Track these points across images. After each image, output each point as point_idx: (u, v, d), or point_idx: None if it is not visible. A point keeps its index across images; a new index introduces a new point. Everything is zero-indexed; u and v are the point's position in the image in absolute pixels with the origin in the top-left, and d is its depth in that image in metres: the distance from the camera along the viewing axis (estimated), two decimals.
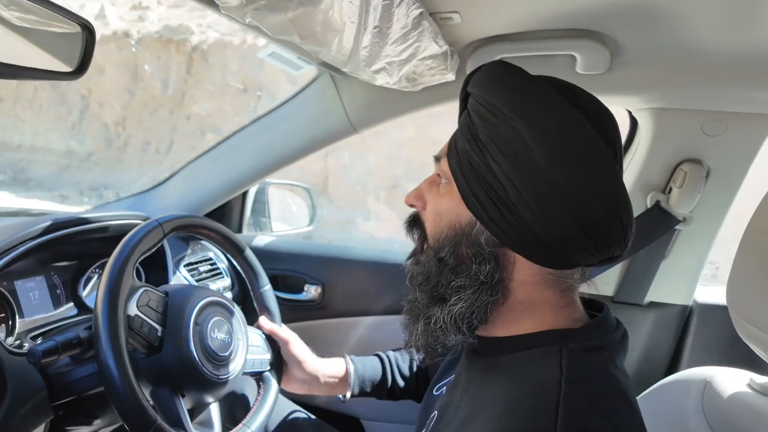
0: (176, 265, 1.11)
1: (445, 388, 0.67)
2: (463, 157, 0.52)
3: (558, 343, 0.49)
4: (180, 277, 1.10)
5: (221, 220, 1.37)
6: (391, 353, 0.92)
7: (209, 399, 0.77)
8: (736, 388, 0.71)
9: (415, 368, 0.91)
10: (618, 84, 0.91)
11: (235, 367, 0.78)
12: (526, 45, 0.82)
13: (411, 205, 0.62)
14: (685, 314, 1.16)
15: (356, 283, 1.29)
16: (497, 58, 0.85)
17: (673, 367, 1.18)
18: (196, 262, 1.18)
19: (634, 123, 1.08)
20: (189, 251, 1.18)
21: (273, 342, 0.91)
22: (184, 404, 0.72)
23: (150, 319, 0.70)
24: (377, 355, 0.92)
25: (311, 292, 1.29)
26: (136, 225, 0.75)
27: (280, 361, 0.90)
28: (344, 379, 0.87)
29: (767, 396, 0.67)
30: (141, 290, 0.70)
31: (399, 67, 0.78)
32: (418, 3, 0.65)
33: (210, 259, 1.23)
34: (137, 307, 0.68)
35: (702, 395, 0.73)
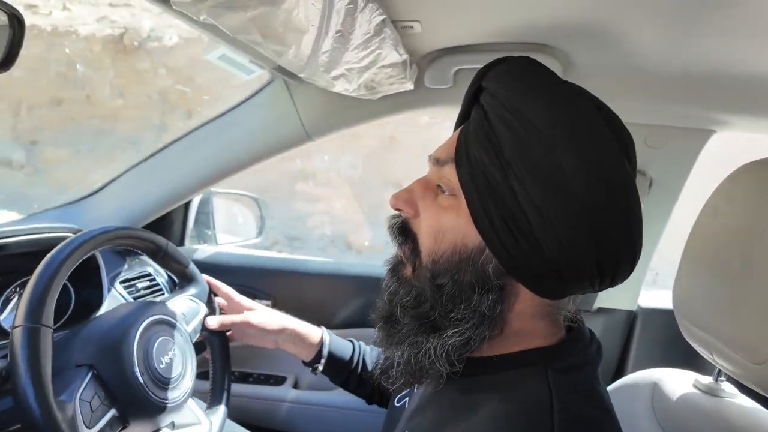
0: (111, 282, 1.02)
1: (407, 400, 0.65)
2: (477, 170, 0.45)
3: (542, 362, 0.48)
4: (116, 295, 1.01)
5: (161, 232, 1.27)
6: (363, 344, 0.89)
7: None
8: (683, 389, 0.74)
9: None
10: None
11: (190, 378, 0.74)
12: (483, 57, 0.83)
13: (398, 209, 0.53)
14: (631, 319, 1.22)
15: (310, 296, 1.24)
16: (455, 69, 0.86)
17: (620, 369, 1.23)
18: (134, 278, 1.09)
19: None
20: (126, 266, 1.09)
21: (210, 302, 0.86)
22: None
23: (103, 415, 0.62)
24: (350, 340, 0.89)
25: None
26: (64, 238, 0.68)
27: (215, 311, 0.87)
28: (316, 345, 0.83)
29: (713, 396, 0.71)
30: (76, 403, 0.60)
31: (359, 74, 0.76)
32: (381, 9, 0.63)
33: (149, 274, 1.14)
34: (88, 427, 0.60)
35: (651, 397, 0.76)
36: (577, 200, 0.42)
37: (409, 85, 0.86)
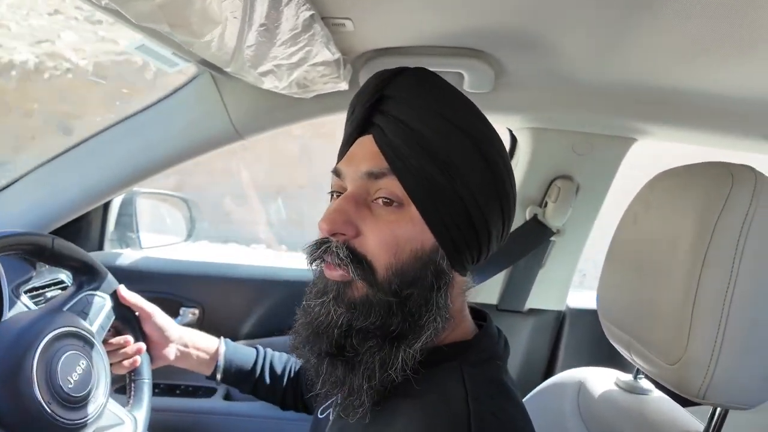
0: (15, 292, 0.91)
1: (330, 411, 0.63)
2: (421, 177, 0.46)
3: (457, 358, 0.50)
4: (21, 306, 0.90)
5: (76, 236, 1.18)
6: (269, 350, 0.88)
7: None
8: (605, 387, 0.77)
9: (291, 374, 0.86)
10: (501, 104, 0.96)
11: (105, 385, 0.68)
12: (418, 60, 0.82)
13: (333, 234, 0.48)
14: (560, 319, 1.26)
15: (241, 303, 1.19)
16: None
17: (550, 368, 1.27)
18: (42, 287, 0.99)
19: (514, 141, 1.15)
20: (34, 273, 0.99)
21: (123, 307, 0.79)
22: None
23: None
24: (255, 347, 0.87)
25: (188, 315, 1.17)
26: None
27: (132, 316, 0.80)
28: (213, 358, 0.82)
29: (631, 393, 0.74)
30: None
31: (289, 71, 0.73)
32: (308, 4, 0.61)
33: (61, 281, 1.04)
34: None
35: (577, 396, 0.79)
36: (500, 185, 0.49)
37: (344, 85, 0.84)
